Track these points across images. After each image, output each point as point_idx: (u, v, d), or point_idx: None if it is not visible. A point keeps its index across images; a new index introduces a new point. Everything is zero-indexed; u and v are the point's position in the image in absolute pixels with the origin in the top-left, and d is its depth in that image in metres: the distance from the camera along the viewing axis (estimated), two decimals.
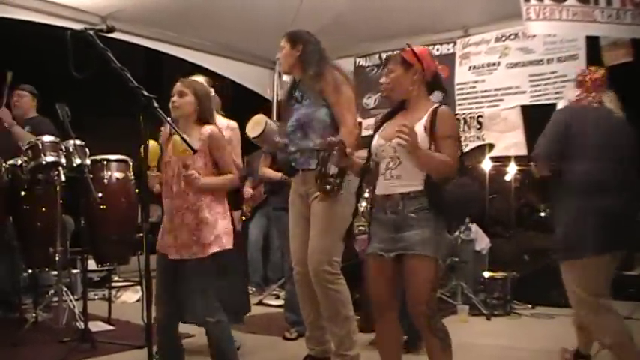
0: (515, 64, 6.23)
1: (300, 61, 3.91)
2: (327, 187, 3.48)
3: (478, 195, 3.18)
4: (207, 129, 3.39)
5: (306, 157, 3.87)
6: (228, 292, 3.68)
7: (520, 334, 5.23)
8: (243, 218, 7.17)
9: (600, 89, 3.74)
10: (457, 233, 6.10)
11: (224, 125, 4.31)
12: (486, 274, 6.22)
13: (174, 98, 3.36)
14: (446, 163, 2.94)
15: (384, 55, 7.26)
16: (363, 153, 3.27)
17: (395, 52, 3.22)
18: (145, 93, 2.71)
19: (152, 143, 3.19)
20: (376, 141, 3.14)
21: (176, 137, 3.11)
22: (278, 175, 5.01)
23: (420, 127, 2.97)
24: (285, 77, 6.26)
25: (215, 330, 3.34)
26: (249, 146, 4.93)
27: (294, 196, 4.04)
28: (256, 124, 4.03)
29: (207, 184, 3.30)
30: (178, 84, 3.41)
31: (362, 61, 7.26)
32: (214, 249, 3.29)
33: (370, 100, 6.98)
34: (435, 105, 3.07)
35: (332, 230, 3.70)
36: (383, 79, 3.16)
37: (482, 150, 6.33)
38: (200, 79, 4.36)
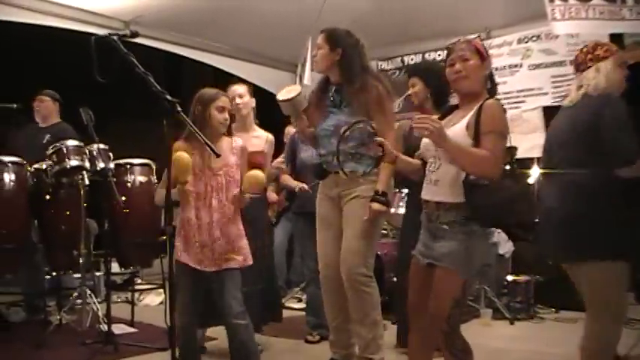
0: (538, 66, 6.20)
1: (340, 65, 3.80)
2: (378, 203, 3.55)
3: (520, 198, 2.88)
4: (239, 141, 3.51)
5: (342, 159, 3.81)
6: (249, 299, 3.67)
7: (543, 338, 5.18)
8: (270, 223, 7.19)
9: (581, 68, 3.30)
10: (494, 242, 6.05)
11: (263, 137, 4.41)
12: (509, 277, 6.17)
13: (227, 115, 3.43)
14: (483, 158, 2.70)
15: (406, 59, 7.27)
16: None
17: (462, 40, 2.96)
18: (169, 98, 2.72)
19: (184, 155, 3.14)
20: (424, 140, 2.95)
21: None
22: (294, 184, 4.99)
23: (462, 125, 2.81)
24: (306, 81, 6.27)
25: (244, 333, 3.37)
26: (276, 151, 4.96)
27: (322, 199, 3.99)
28: (290, 90, 3.90)
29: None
30: (226, 99, 3.47)
31: (384, 64, 7.25)
32: (249, 259, 3.43)
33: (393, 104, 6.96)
34: (484, 99, 2.85)
35: (368, 232, 3.68)
36: (457, 66, 2.87)
37: (507, 153, 6.28)
38: (241, 88, 4.42)
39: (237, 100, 4.34)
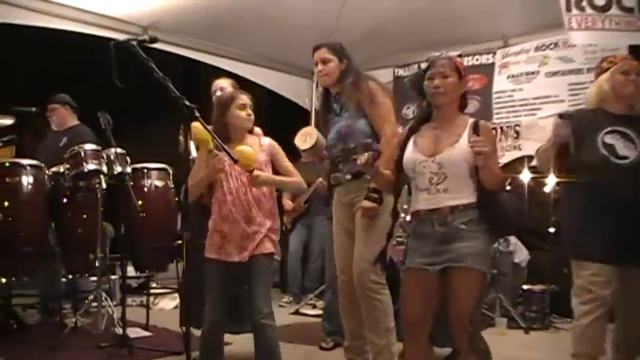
0: (555, 73, 6.16)
1: (342, 76, 3.91)
2: (369, 200, 3.55)
3: (523, 209, 3.14)
4: (266, 139, 3.55)
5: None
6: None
7: (558, 348, 5.11)
8: (284, 228, 7.22)
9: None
10: (496, 245, 6.03)
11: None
12: (525, 286, 6.14)
13: (250, 111, 3.46)
14: (500, 177, 2.92)
15: (423, 66, 7.25)
16: None
17: (442, 56, 3.05)
18: (187, 103, 2.74)
19: (199, 125, 3.08)
20: (412, 155, 3.01)
21: (244, 150, 3.21)
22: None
23: (464, 142, 2.89)
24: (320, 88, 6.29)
25: (271, 334, 3.38)
26: (288, 157, 4.94)
27: (337, 205, 4.02)
28: (308, 136, 3.95)
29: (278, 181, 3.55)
30: (246, 97, 3.49)
31: (401, 71, 7.23)
32: (277, 251, 3.51)
33: (409, 111, 6.93)
34: (473, 119, 2.99)
35: (378, 239, 3.68)
36: (436, 82, 2.95)
37: (521, 161, 6.27)
38: (225, 82, 4.44)
39: (219, 94, 4.28)
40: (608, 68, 3.53)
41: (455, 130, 2.95)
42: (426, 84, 3.01)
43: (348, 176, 3.82)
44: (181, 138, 3.52)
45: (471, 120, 2.99)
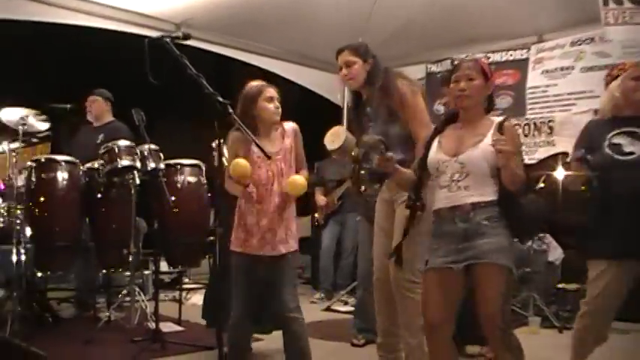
0: (590, 68, 6.07)
1: (369, 76, 3.77)
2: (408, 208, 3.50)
3: (545, 212, 3.10)
4: (290, 124, 3.54)
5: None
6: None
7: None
8: (316, 224, 7.24)
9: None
10: (530, 243, 5.96)
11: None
12: (559, 285, 6.06)
13: (277, 104, 3.46)
14: (521, 178, 2.85)
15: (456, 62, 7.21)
16: None
17: (467, 58, 3.12)
18: (221, 99, 2.75)
19: (240, 162, 3.19)
20: (436, 155, 3.03)
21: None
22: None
23: (487, 142, 2.87)
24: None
25: (300, 327, 3.39)
26: (320, 153, 4.93)
27: (379, 202, 3.95)
28: (336, 136, 3.87)
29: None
30: (273, 89, 3.48)
31: (433, 67, 7.19)
32: (297, 244, 3.50)
33: (441, 107, 6.91)
34: (499, 120, 2.96)
35: (415, 238, 3.65)
36: (462, 85, 2.95)
37: (555, 158, 6.18)
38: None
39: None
40: (619, 75, 3.57)
41: (479, 131, 2.94)
42: (451, 87, 3.01)
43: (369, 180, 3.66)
44: (214, 151, 3.51)
45: (497, 120, 2.96)
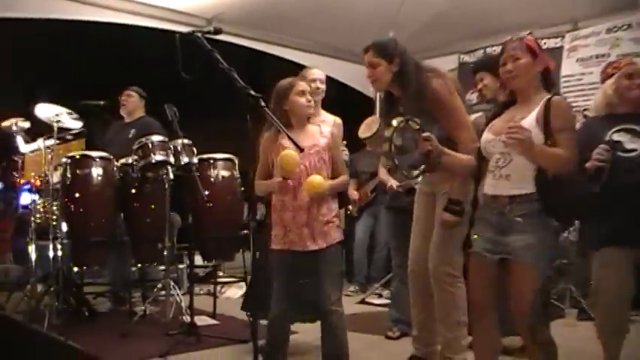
0: (627, 55, 5.95)
1: (399, 76, 3.56)
2: (449, 212, 3.47)
3: (588, 192, 2.98)
4: (328, 128, 3.52)
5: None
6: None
7: (630, 340, 4.96)
8: (350, 215, 7.22)
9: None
10: (565, 234, 5.87)
11: (330, 121, 4.32)
12: None
13: (309, 97, 3.44)
14: (561, 158, 2.76)
15: (488, 51, 7.12)
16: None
17: (514, 38, 3.02)
18: (253, 93, 2.74)
19: (292, 153, 3.17)
20: (485, 136, 3.01)
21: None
22: (388, 181, 4.97)
23: (531, 120, 2.81)
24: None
25: (339, 320, 3.37)
26: (353, 146, 4.89)
27: (419, 194, 3.94)
28: (370, 125, 3.75)
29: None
30: (305, 83, 3.48)
31: (466, 57, 7.12)
32: (341, 235, 3.45)
33: (473, 96, 6.82)
34: (548, 96, 2.88)
35: (456, 235, 3.60)
36: (509, 66, 2.90)
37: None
38: (322, 74, 4.43)
39: (319, 85, 4.35)
40: (613, 74, 3.55)
41: (529, 107, 2.89)
42: (500, 70, 2.97)
43: (405, 171, 3.53)
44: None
45: (547, 96, 2.88)
